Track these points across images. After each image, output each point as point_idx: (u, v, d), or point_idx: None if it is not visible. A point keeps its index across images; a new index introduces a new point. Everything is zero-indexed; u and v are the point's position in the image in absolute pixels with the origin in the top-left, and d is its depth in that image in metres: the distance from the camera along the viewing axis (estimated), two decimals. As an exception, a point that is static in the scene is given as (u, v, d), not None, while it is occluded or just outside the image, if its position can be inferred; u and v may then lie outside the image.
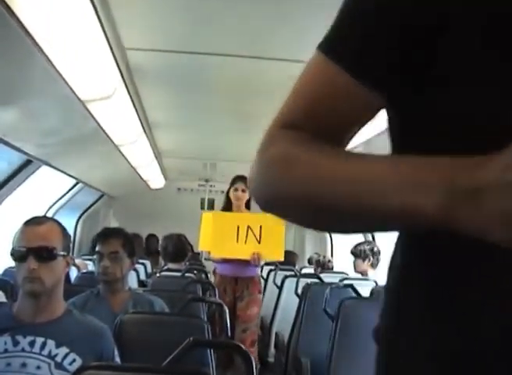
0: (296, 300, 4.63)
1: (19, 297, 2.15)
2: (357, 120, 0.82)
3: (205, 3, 2.71)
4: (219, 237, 4.79)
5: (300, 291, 4.63)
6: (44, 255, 2.08)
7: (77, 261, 5.60)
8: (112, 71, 3.27)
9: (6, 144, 3.54)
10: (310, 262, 7.76)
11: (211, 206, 9.43)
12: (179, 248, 5.25)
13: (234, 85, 3.94)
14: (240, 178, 4.94)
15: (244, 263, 4.80)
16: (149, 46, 3.20)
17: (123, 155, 5.60)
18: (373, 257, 5.58)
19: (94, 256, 3.14)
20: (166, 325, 2.76)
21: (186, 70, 3.60)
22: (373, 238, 6.84)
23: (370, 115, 0.82)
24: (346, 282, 4.58)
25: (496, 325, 0.66)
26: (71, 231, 6.72)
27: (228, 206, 5.11)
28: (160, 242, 6.46)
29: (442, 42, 0.70)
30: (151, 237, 8.33)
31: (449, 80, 0.71)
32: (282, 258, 5.00)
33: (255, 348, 4.94)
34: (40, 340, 2.06)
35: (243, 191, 4.98)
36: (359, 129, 0.84)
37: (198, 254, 8.37)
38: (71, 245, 2.38)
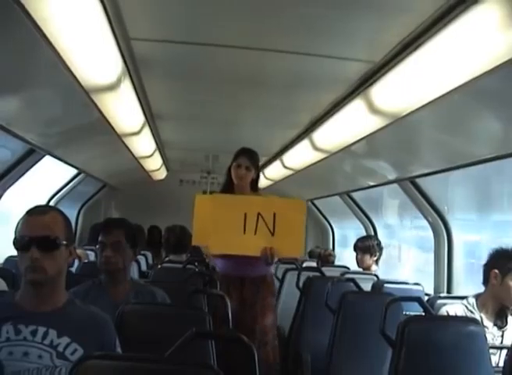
0: (298, 293, 4.63)
1: (22, 286, 2.15)
2: None
3: (211, -6, 2.70)
4: (220, 228, 3.74)
5: (301, 284, 4.63)
6: (47, 244, 2.08)
7: (78, 251, 5.60)
8: (116, 61, 3.26)
9: (10, 132, 3.54)
10: (311, 255, 7.76)
11: (212, 198, 9.41)
12: (181, 240, 5.25)
13: (238, 77, 3.93)
14: (244, 152, 4.08)
15: (253, 259, 3.81)
16: (154, 36, 3.19)
17: (126, 146, 5.59)
18: (379, 252, 5.60)
19: (96, 246, 3.13)
20: (168, 316, 2.76)
21: (190, 61, 3.59)
22: (375, 233, 6.84)
23: None
24: (347, 276, 4.58)
25: None
26: (73, 221, 6.73)
27: (228, 188, 4.09)
28: (162, 234, 6.47)
29: None
30: (154, 228, 8.34)
31: None
32: (301, 255, 4.48)
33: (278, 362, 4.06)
34: (42, 329, 2.06)
35: (247, 168, 4.00)
36: None
37: (199, 246, 8.38)
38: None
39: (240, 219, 3.74)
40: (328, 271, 5.03)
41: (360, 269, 5.55)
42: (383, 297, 3.55)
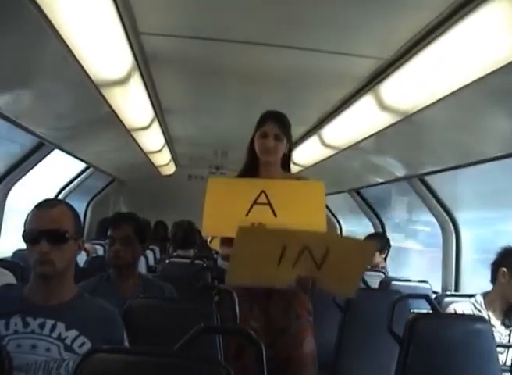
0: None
1: (31, 279, 2.16)
2: None
3: (221, -11, 2.70)
4: (248, 257, 2.68)
5: (309, 281, 4.62)
6: (56, 237, 2.08)
7: (86, 245, 5.62)
8: (126, 55, 3.26)
9: (19, 126, 3.55)
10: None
11: (221, 194, 9.42)
12: (189, 235, 5.26)
13: (248, 73, 3.92)
14: (271, 116, 3.04)
15: None
16: (164, 31, 3.19)
17: (135, 141, 5.60)
18: (387, 249, 5.60)
19: (106, 241, 3.15)
20: (175, 311, 2.76)
21: (200, 56, 3.59)
22: (383, 230, 6.83)
23: None
24: (355, 273, 4.57)
25: None
26: (81, 215, 6.75)
27: (251, 168, 3.12)
28: (170, 229, 6.49)
29: None
30: (159, 223, 8.36)
31: None
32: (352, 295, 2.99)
33: None
34: (50, 322, 2.07)
35: (276, 137, 2.97)
36: None
37: (207, 241, 8.39)
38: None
39: (275, 251, 2.68)
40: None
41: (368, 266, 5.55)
42: (391, 294, 3.55)
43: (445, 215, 5.03)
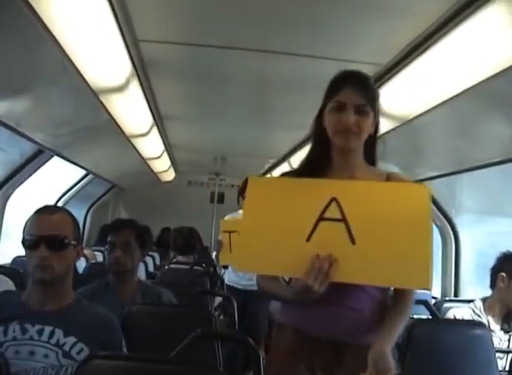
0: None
1: (29, 285, 2.16)
2: None
3: (219, -4, 2.71)
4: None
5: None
6: (56, 243, 2.09)
7: (86, 251, 5.63)
8: (124, 63, 3.27)
9: (18, 133, 3.55)
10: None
11: (220, 200, 9.43)
12: (189, 241, 5.27)
13: (247, 79, 3.93)
14: (351, 78, 2.17)
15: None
16: (162, 38, 3.20)
17: (134, 147, 5.60)
18: None
19: (106, 246, 3.15)
20: (174, 317, 2.77)
21: (199, 63, 3.59)
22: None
23: None
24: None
25: None
26: (81, 222, 6.75)
27: (318, 156, 2.16)
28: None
29: None
30: (166, 230, 8.36)
31: None
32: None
33: None
34: (48, 328, 2.07)
35: (360, 110, 2.04)
36: None
37: (207, 247, 8.39)
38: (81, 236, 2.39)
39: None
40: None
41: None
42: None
43: (444, 220, 5.03)
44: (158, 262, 7.01)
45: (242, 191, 4.43)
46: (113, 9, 2.60)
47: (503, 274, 3.29)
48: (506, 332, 3.31)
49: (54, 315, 2.10)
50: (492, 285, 3.36)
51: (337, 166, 2.08)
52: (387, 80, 3.27)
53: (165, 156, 7.42)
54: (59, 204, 6.73)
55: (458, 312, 3.38)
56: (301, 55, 3.26)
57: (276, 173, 8.01)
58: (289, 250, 1.89)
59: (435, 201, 5.07)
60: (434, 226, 5.19)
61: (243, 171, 8.51)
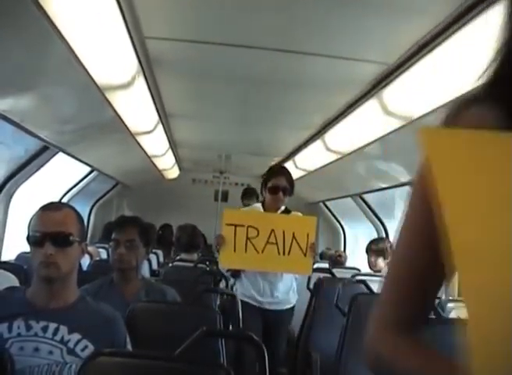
0: (308, 294, 4.62)
1: (34, 282, 2.16)
2: None
3: (226, -6, 2.71)
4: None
5: (312, 285, 4.62)
6: (61, 240, 2.09)
7: (90, 248, 5.62)
8: (130, 59, 3.27)
9: (23, 129, 3.56)
10: (322, 257, 7.75)
11: (224, 198, 9.42)
12: (193, 239, 5.26)
13: (253, 78, 3.93)
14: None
15: None
16: (169, 35, 3.20)
17: (139, 144, 5.61)
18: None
19: (110, 243, 3.14)
20: (178, 315, 2.76)
21: (204, 61, 3.59)
22: (387, 235, 6.82)
23: None
24: (358, 278, 4.57)
25: None
26: (85, 219, 6.76)
27: None
28: (174, 232, 6.49)
29: None
30: (166, 227, 8.35)
31: None
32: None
33: None
34: (53, 325, 2.07)
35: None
36: None
37: (211, 245, 8.39)
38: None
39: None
40: (339, 272, 5.02)
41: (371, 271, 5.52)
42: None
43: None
44: (161, 259, 7.00)
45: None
46: (120, 6, 2.60)
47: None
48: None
49: (58, 312, 2.10)
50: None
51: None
52: (393, 79, 3.27)
53: (170, 154, 7.42)
54: (64, 200, 6.74)
55: (461, 311, 3.37)
56: (307, 53, 3.26)
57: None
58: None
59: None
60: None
61: (248, 169, 8.52)
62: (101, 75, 3.12)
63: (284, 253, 3.80)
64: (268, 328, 4.13)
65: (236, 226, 3.82)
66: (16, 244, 4.64)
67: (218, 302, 3.86)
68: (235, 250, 3.81)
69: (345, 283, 3.94)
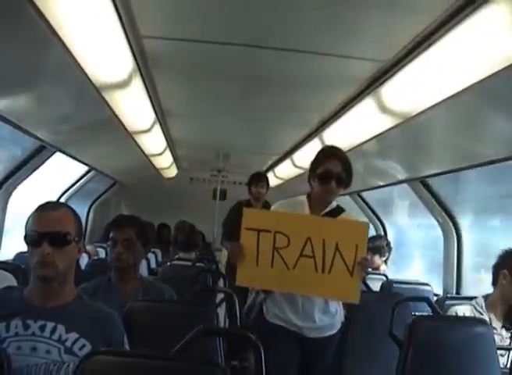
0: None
1: (31, 281, 2.16)
2: None
3: (222, -8, 2.71)
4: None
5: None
6: (58, 240, 2.09)
7: (88, 247, 5.64)
8: (127, 59, 3.27)
9: (21, 129, 3.56)
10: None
11: (223, 196, 9.42)
12: (190, 238, 5.26)
13: (249, 76, 3.93)
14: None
15: None
16: (165, 34, 3.19)
17: (137, 143, 5.60)
18: (388, 252, 5.58)
19: (108, 243, 3.14)
20: (176, 313, 2.77)
21: (201, 59, 3.59)
22: (385, 233, 6.82)
23: None
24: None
25: None
26: (83, 218, 6.75)
27: None
28: (171, 231, 6.49)
29: None
30: (163, 226, 8.35)
31: None
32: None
33: None
34: (50, 324, 2.07)
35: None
36: None
37: (209, 244, 8.40)
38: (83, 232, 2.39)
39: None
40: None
41: (369, 269, 5.53)
42: (392, 297, 3.55)
43: (446, 217, 5.03)
44: (160, 258, 7.01)
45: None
46: (115, 5, 2.60)
47: (505, 271, 3.29)
48: (507, 329, 3.31)
49: (56, 311, 2.10)
50: (494, 282, 3.36)
51: None
52: (390, 76, 3.27)
53: (168, 153, 7.41)
54: (61, 200, 6.74)
55: (460, 309, 3.38)
56: (304, 51, 3.26)
57: (278, 169, 8.00)
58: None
59: (437, 199, 5.07)
60: (436, 223, 5.19)
61: (246, 168, 8.51)
62: (97, 74, 3.12)
63: (323, 270, 2.90)
64: (304, 358, 3.28)
65: (259, 231, 2.96)
66: (14, 244, 4.64)
67: (216, 301, 3.86)
68: (257, 263, 2.96)
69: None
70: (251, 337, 1.93)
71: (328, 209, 3.22)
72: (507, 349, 3.21)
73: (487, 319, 3.19)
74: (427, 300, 3.11)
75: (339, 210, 3.25)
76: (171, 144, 7.09)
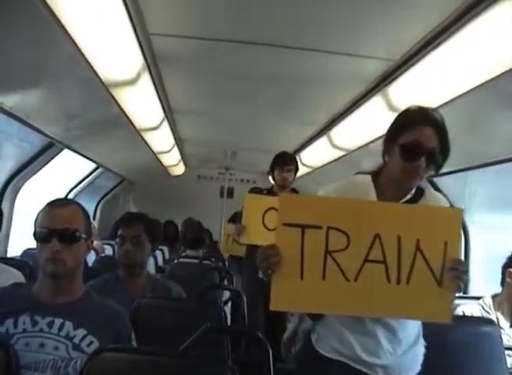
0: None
1: (39, 278, 2.17)
2: None
3: (231, -10, 2.71)
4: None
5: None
6: (68, 236, 2.10)
7: (94, 243, 5.63)
8: (136, 56, 3.27)
9: (29, 126, 3.57)
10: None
11: (230, 194, 9.42)
12: (198, 235, 5.26)
13: (258, 74, 3.93)
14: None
15: None
16: (174, 32, 3.20)
17: (145, 141, 5.61)
18: None
19: (116, 240, 3.15)
20: (183, 311, 2.77)
21: (209, 57, 3.59)
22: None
23: None
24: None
25: None
26: (91, 216, 6.76)
27: None
28: (178, 229, 6.49)
29: None
30: (169, 223, 8.36)
31: None
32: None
33: None
34: (58, 321, 2.08)
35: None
36: None
37: (216, 242, 8.40)
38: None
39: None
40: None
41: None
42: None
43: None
44: (167, 255, 7.01)
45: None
46: (125, 3, 2.61)
47: (511, 270, 3.28)
48: (515, 329, 3.30)
49: (64, 307, 2.11)
50: (502, 282, 3.35)
51: None
52: (399, 75, 3.27)
53: (175, 150, 7.42)
54: (69, 197, 6.75)
55: (467, 308, 3.37)
56: (313, 50, 3.26)
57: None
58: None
59: (444, 196, 5.05)
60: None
61: (253, 166, 8.51)
62: (106, 71, 3.12)
63: (399, 281, 1.97)
64: None
65: (303, 227, 1.95)
66: (22, 240, 4.66)
67: (223, 299, 3.87)
68: (302, 276, 1.94)
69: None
70: (258, 334, 1.93)
71: (408, 197, 2.20)
72: (515, 349, 3.20)
73: (495, 318, 3.18)
74: (434, 299, 3.10)
75: (419, 194, 2.25)
76: (179, 141, 7.10)
